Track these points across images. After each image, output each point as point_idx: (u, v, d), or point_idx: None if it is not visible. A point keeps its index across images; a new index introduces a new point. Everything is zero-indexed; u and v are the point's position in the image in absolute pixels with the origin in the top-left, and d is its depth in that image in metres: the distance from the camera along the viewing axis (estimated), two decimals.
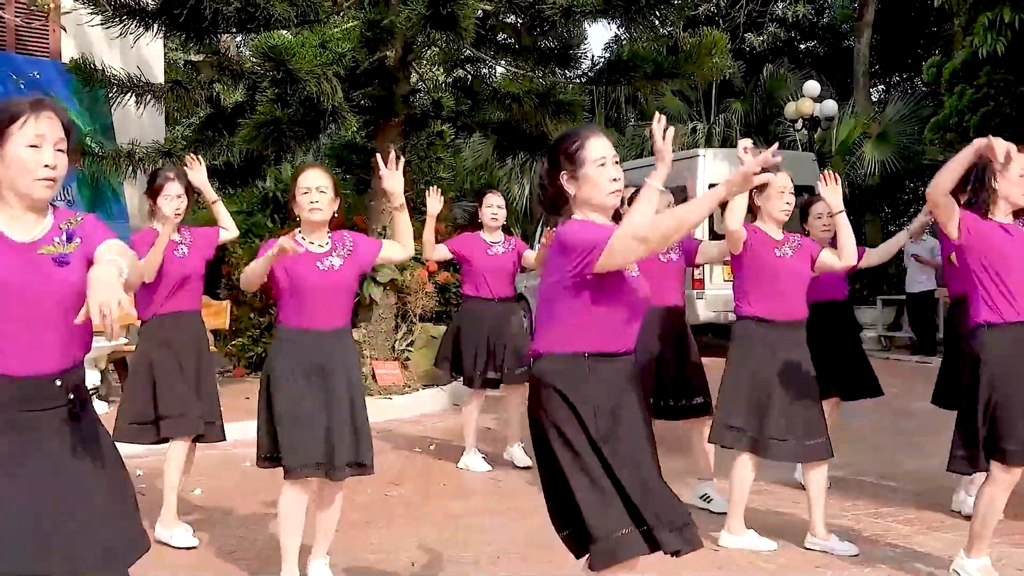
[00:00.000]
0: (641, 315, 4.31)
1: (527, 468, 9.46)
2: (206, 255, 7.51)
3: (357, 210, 15.12)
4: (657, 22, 14.60)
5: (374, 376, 13.61)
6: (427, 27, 12.48)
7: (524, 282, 22.02)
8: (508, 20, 14.97)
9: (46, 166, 3.57)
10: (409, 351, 14.40)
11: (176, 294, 7.25)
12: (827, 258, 6.98)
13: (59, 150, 3.62)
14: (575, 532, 4.21)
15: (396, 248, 6.18)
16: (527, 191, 29.30)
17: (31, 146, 3.56)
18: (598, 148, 4.25)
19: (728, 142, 27.19)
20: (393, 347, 14.33)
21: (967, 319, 6.01)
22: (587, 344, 4.17)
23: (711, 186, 18.36)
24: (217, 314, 13.72)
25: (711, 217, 17.82)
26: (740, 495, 7.00)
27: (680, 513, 4.21)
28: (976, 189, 5.94)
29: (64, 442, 3.60)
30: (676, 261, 8.05)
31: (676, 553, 4.16)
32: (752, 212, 7.02)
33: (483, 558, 6.79)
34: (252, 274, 5.71)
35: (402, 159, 6.08)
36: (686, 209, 3.95)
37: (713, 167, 18.83)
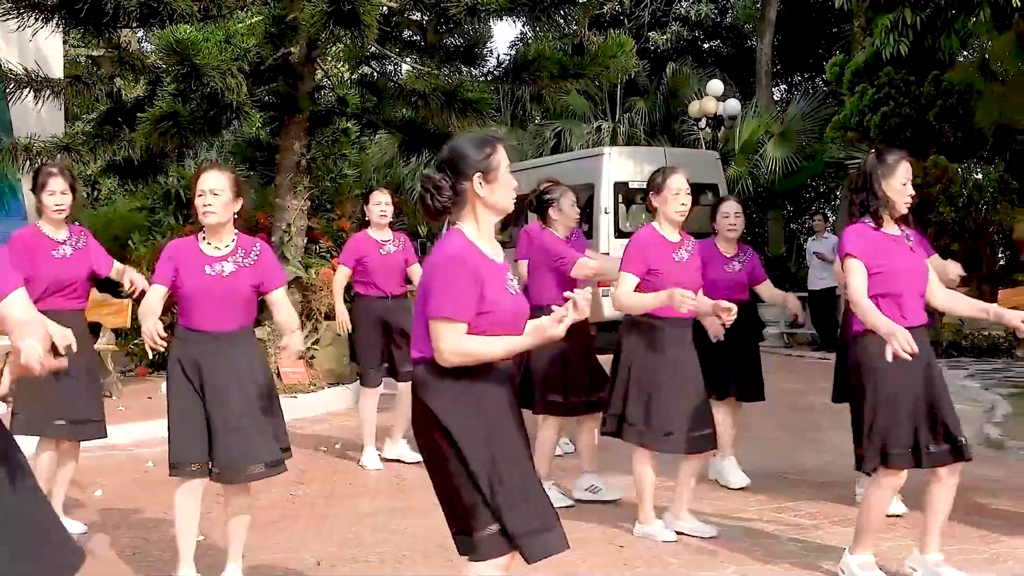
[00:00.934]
0: (523, 326, 4.32)
1: (417, 463, 9.37)
2: (92, 269, 7.37)
3: (260, 207, 15.01)
4: (562, 21, 14.69)
5: (279, 375, 13.51)
6: (331, 24, 12.39)
7: None
8: (413, 17, 14.92)
9: None
10: (315, 349, 14.31)
11: (54, 295, 7.09)
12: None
13: None
14: (463, 531, 4.27)
15: (285, 306, 6.18)
16: None
17: None
18: (504, 157, 4.37)
19: (633, 140, 27.32)
20: None
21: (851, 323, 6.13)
22: None
23: (616, 184, 18.59)
24: (118, 313, 13.51)
25: (615, 217, 17.94)
26: (645, 488, 7.08)
27: (551, 514, 4.36)
28: (866, 198, 5.98)
29: None
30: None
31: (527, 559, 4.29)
32: (650, 212, 7.16)
33: (388, 557, 6.78)
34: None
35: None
36: (500, 348, 4.19)
37: (617, 165, 18.93)
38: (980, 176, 20.34)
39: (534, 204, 8.29)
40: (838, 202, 29.52)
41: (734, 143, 25.65)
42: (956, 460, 5.92)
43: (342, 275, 9.78)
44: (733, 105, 24.52)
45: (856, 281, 5.84)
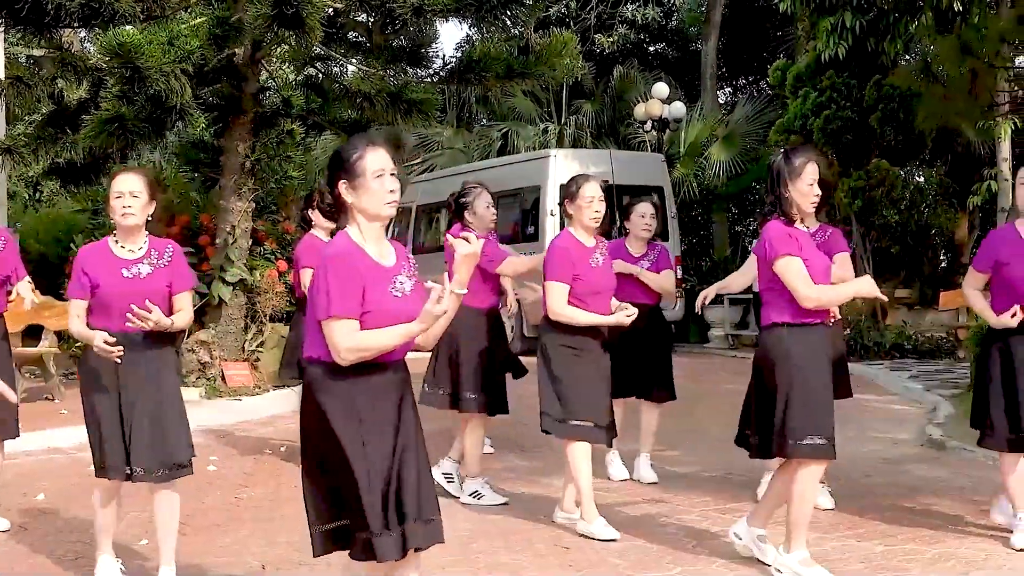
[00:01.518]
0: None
1: None
2: (7, 274, 7.36)
3: (204, 209, 14.91)
4: (508, 22, 14.66)
5: (224, 377, 13.44)
6: (275, 25, 12.33)
7: None
8: (359, 18, 14.88)
9: None
10: (259, 352, 14.24)
11: None
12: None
13: None
14: (340, 527, 4.42)
15: (187, 308, 6.11)
16: None
17: None
18: (376, 161, 4.39)
19: (579, 143, 27.37)
20: (243, 348, 14.15)
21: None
22: None
23: (562, 186, 18.65)
24: (61, 315, 13.37)
25: (561, 219, 17.96)
26: (585, 483, 7.17)
27: (433, 507, 4.46)
28: (775, 198, 6.11)
29: None
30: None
31: (419, 548, 4.41)
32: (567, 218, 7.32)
33: (334, 559, 6.72)
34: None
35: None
36: (390, 339, 4.27)
37: (564, 167, 18.97)
38: (921, 179, 20.57)
39: (452, 207, 8.38)
40: None
41: (679, 146, 25.75)
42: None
43: (307, 272, 9.63)
44: (678, 108, 24.60)
45: (799, 275, 5.93)
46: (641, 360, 8.66)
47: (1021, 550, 6.59)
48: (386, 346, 4.25)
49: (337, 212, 4.53)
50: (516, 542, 7.03)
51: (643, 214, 8.71)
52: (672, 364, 9.09)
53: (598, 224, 7.22)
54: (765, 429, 6.10)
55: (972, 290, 6.96)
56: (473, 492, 8.18)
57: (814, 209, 6.24)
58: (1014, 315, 6.50)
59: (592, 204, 7.14)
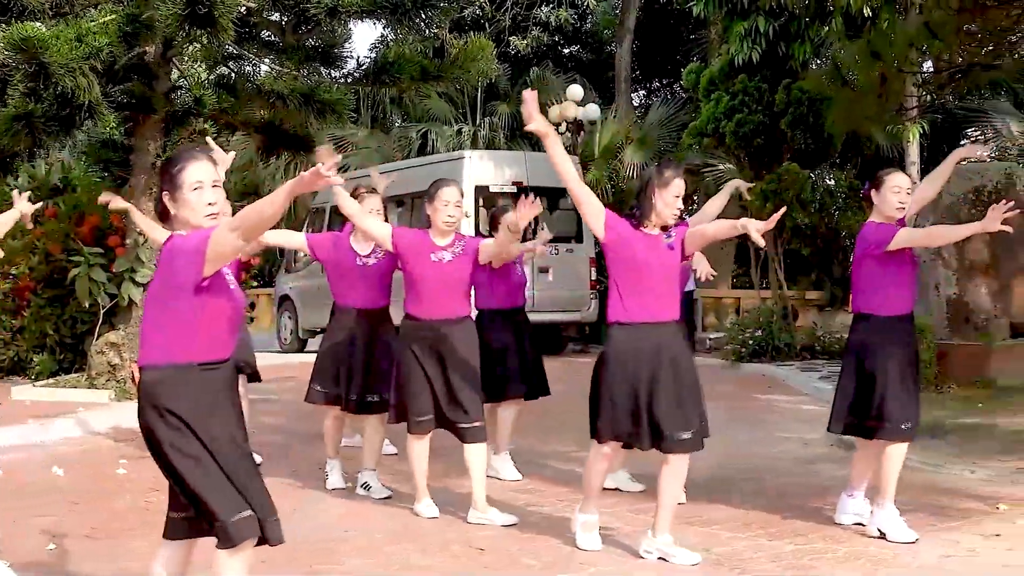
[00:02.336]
0: (239, 324, 4.61)
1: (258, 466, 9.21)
2: None
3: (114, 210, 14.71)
4: (423, 24, 14.63)
5: (134, 379, 13.26)
6: (186, 24, 12.21)
7: (289, 283, 21.81)
8: (272, 18, 14.78)
9: None
10: None
11: None
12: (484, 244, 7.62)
13: None
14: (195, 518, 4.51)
15: None
16: None
17: None
18: (196, 173, 4.43)
19: (494, 144, 27.39)
20: None
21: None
22: (192, 355, 4.38)
23: (476, 187, 18.61)
24: None
25: (476, 220, 17.94)
26: (480, 475, 7.48)
27: (272, 508, 4.53)
28: (640, 202, 6.47)
29: None
30: (375, 264, 8.33)
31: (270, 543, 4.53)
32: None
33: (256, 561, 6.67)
34: None
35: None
36: (267, 202, 4.19)
37: (478, 168, 18.97)
38: (832, 182, 20.79)
39: None
40: (695, 207, 29.91)
41: (594, 148, 25.83)
42: (672, 451, 6.44)
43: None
44: (593, 110, 24.68)
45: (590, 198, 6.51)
46: (517, 360, 8.92)
47: (882, 535, 6.84)
48: (266, 209, 4.17)
49: (166, 218, 4.57)
50: (429, 544, 7.00)
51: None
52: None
53: (452, 227, 7.46)
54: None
55: (932, 230, 7.39)
56: (363, 484, 8.36)
57: (674, 221, 6.50)
58: (1005, 221, 6.56)
59: (448, 207, 7.40)
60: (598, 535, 6.81)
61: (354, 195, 8.34)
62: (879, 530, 6.87)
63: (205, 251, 4.22)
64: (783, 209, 6.31)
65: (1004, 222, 6.51)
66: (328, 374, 8.40)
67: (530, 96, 6.33)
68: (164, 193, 4.46)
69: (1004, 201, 6.60)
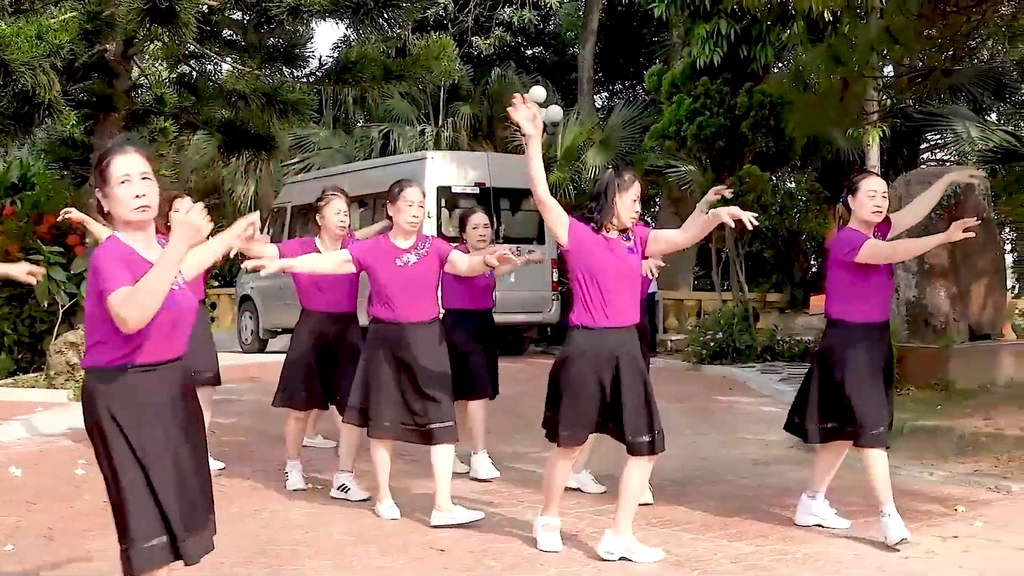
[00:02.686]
0: (189, 324, 4.49)
1: (221, 470, 9.16)
2: None
3: (74, 207, 14.61)
4: (386, 24, 14.62)
5: None
6: (148, 21, 12.15)
7: (250, 283, 21.70)
8: (234, 16, 14.74)
9: None
10: None
11: None
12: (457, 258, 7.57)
13: None
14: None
15: None
16: (252, 190, 28.92)
17: None
18: (122, 166, 4.33)
19: (456, 145, 27.37)
20: None
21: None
22: (126, 356, 4.31)
23: (439, 188, 18.60)
24: None
25: (438, 221, 17.93)
26: (447, 477, 7.45)
27: (203, 521, 4.53)
28: (600, 205, 6.51)
29: None
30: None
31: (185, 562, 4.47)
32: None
33: (204, 562, 6.63)
34: None
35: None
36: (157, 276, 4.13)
37: (440, 169, 18.94)
38: (792, 185, 20.91)
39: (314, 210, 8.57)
40: (657, 209, 30.00)
41: (556, 149, 25.83)
42: (637, 454, 6.52)
43: None
44: (555, 112, 24.68)
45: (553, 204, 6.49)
46: (487, 360, 9.01)
47: (900, 542, 6.70)
48: (158, 283, 4.10)
49: (108, 217, 4.49)
50: (391, 546, 6.98)
51: (476, 224, 9.08)
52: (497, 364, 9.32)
53: (414, 228, 7.47)
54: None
55: (897, 244, 7.15)
56: (341, 486, 8.28)
57: (632, 223, 6.55)
58: (966, 229, 6.60)
59: (412, 208, 7.42)
60: (559, 537, 6.82)
61: (320, 198, 8.36)
62: (898, 540, 6.74)
63: (100, 269, 4.20)
64: (752, 214, 6.28)
65: (967, 230, 6.58)
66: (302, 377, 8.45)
67: (519, 99, 6.35)
68: (97, 190, 4.40)
69: (967, 217, 6.72)
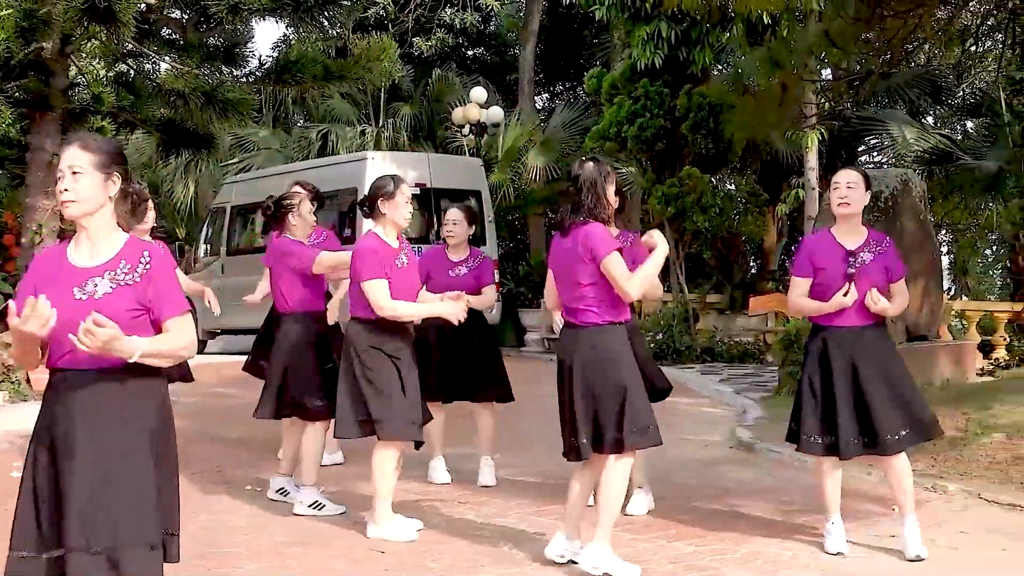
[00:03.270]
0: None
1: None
2: None
3: (9, 207, 14.47)
4: (326, 23, 14.57)
5: (29, 380, 13.03)
6: (85, 20, 12.02)
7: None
8: (173, 15, 14.62)
9: None
10: None
11: None
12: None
13: None
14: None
15: None
16: (192, 191, 28.69)
17: None
18: (63, 160, 4.19)
19: (397, 146, 27.28)
20: None
21: None
22: (53, 361, 4.17)
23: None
24: None
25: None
26: (387, 486, 7.18)
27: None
28: (595, 203, 6.29)
29: None
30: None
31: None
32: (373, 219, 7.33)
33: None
34: None
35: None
36: None
37: (381, 170, 18.85)
38: (732, 187, 21.03)
39: (271, 209, 8.29)
40: None
41: (497, 150, 25.83)
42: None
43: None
44: (496, 112, 24.67)
45: (622, 271, 6.16)
46: (470, 364, 8.77)
47: (837, 554, 6.69)
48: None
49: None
50: (331, 547, 6.94)
51: (445, 221, 8.93)
52: (504, 365, 9.10)
53: (407, 223, 7.30)
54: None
55: (800, 298, 6.91)
56: (314, 503, 7.91)
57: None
58: (846, 293, 6.54)
59: (408, 204, 7.23)
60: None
61: (284, 199, 8.24)
62: (916, 554, 6.63)
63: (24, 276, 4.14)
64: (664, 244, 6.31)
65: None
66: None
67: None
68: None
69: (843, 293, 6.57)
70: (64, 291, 4.04)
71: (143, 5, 13.28)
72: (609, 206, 6.33)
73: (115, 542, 3.98)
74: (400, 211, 7.17)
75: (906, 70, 20.04)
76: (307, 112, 30.16)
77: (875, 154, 25.68)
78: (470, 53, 35.18)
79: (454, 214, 8.86)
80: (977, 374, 14.35)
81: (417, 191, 18.46)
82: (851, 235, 6.79)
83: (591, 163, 6.36)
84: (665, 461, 9.72)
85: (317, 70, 14.17)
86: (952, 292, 28.83)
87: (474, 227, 9.03)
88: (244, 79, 15.42)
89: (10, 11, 12.46)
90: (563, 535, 6.52)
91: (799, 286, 6.87)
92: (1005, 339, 17.54)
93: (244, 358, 9.70)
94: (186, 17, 14.59)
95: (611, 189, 6.33)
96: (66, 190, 4.10)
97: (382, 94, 28.79)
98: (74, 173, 4.11)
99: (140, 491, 4.08)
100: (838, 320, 6.66)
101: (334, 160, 22.02)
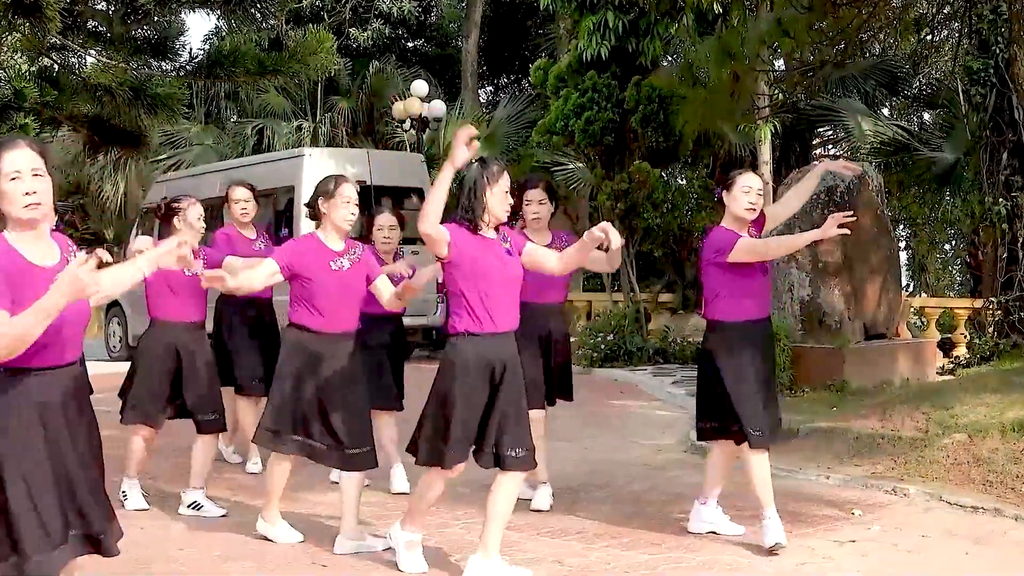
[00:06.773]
0: (82, 326, 4.33)
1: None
2: None
3: None
4: (259, 15, 14.25)
5: None
6: (9, 13, 11.58)
7: None
8: (99, 7, 14.21)
9: None
10: None
11: None
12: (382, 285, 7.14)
13: None
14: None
15: None
16: (121, 189, 28.21)
17: None
18: (13, 161, 4.17)
19: (335, 141, 26.99)
20: None
21: None
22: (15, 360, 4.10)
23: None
24: None
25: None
26: (276, 488, 7.05)
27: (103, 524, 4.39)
28: (470, 203, 6.17)
29: None
30: None
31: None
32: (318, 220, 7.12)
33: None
34: None
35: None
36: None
37: (319, 167, 18.38)
38: (683, 182, 20.70)
39: (161, 210, 8.12)
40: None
41: (439, 146, 25.50)
42: (511, 469, 6.19)
43: None
44: (438, 106, 24.39)
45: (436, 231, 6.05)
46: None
47: (774, 546, 6.68)
48: (27, 328, 3.93)
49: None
50: (270, 562, 6.74)
51: (381, 226, 8.73)
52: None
53: (350, 226, 7.02)
54: None
55: (770, 241, 7.12)
56: (192, 503, 7.92)
57: (507, 216, 6.30)
58: (841, 225, 6.54)
59: (349, 205, 6.94)
60: (422, 555, 6.53)
61: (174, 202, 8.04)
62: (773, 544, 6.70)
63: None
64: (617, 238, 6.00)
65: (842, 226, 6.54)
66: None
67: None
68: None
69: (842, 212, 6.65)
70: (44, 289, 4.04)
71: None
72: (489, 209, 6.13)
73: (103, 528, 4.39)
74: (339, 211, 6.91)
75: (861, 60, 19.82)
76: (241, 107, 29.84)
77: (830, 147, 25.62)
78: (410, 45, 34.86)
79: (387, 219, 8.79)
80: (937, 372, 14.25)
81: (357, 189, 17.99)
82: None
83: (476, 164, 6.21)
84: (617, 466, 9.69)
85: (250, 64, 13.90)
86: (911, 289, 28.90)
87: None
88: (174, 73, 15.00)
89: None
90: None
91: (750, 242, 6.85)
92: (965, 336, 17.37)
93: None
94: (113, 9, 14.19)
95: (499, 188, 6.15)
96: (34, 192, 4.14)
97: (319, 88, 28.46)
98: (35, 175, 4.15)
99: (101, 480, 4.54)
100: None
101: (269, 157, 21.62)
